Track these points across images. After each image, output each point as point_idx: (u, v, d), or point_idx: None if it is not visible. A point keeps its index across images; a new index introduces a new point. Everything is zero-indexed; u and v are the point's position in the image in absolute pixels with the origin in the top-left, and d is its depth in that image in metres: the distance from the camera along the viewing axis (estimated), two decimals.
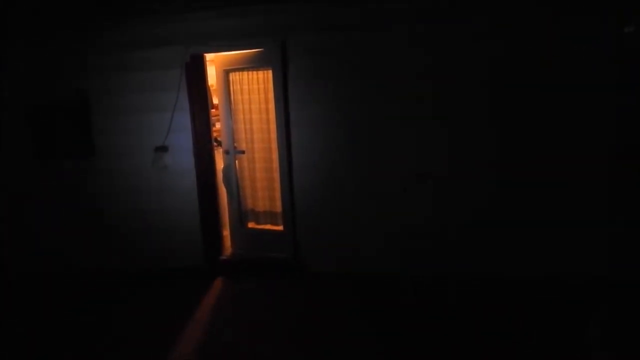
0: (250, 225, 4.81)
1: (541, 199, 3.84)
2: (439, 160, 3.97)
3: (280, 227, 4.58)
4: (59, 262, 4.66)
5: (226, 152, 4.71)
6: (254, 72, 4.46)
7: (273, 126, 4.37)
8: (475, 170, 3.93)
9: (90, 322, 3.72)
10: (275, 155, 4.43)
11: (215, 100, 6.27)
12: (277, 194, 4.51)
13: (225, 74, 4.58)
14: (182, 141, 4.29)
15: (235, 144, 4.67)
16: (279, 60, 4.09)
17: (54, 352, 3.32)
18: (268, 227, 4.72)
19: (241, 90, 4.56)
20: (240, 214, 4.80)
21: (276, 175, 4.47)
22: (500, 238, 3.96)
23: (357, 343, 3.20)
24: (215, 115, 6.00)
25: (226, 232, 4.80)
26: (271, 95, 4.31)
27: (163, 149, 4.30)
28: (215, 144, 4.78)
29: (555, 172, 3.80)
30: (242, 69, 4.49)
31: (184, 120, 4.26)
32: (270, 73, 4.26)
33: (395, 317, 3.49)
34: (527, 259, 3.92)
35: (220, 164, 4.79)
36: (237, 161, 4.71)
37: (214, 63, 4.72)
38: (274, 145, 4.41)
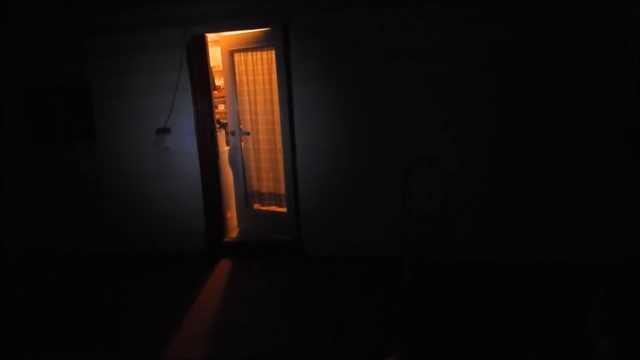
0: (256, 206, 4.82)
1: (549, 182, 3.77)
2: (446, 142, 3.90)
3: (284, 209, 4.58)
4: (59, 244, 4.72)
5: (232, 134, 4.70)
6: (258, 53, 4.40)
7: (277, 107, 4.33)
8: (482, 153, 3.87)
9: (88, 304, 3.77)
10: (279, 137, 4.40)
11: (218, 82, 6.24)
12: (281, 176, 4.50)
13: (230, 54, 4.54)
14: (184, 123, 4.27)
15: (240, 126, 4.65)
16: (281, 41, 4.02)
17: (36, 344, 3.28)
18: (273, 208, 4.73)
19: (246, 71, 4.52)
20: (246, 195, 4.81)
21: (280, 157, 4.45)
22: (507, 222, 3.92)
23: (351, 328, 3.18)
24: (218, 97, 5.97)
25: (230, 214, 4.81)
26: (275, 76, 4.26)
27: (165, 131, 4.29)
28: (217, 126, 4.76)
29: (562, 156, 3.71)
30: (246, 50, 4.45)
31: (186, 102, 4.24)
32: (274, 54, 4.21)
33: (397, 302, 3.47)
34: (534, 244, 3.86)
35: (222, 146, 4.78)
36: (242, 143, 4.70)
37: (218, 44, 4.68)
38: (278, 127, 4.38)
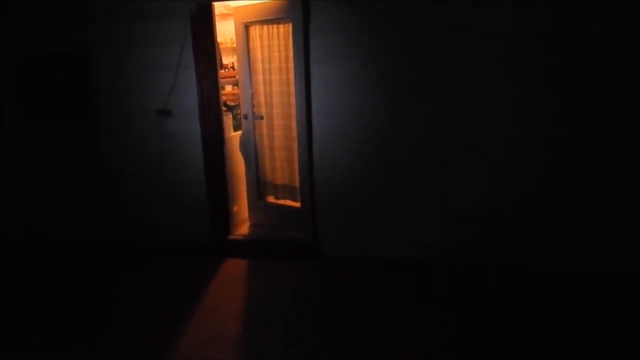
0: (269, 199, 4.34)
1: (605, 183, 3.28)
2: (486, 133, 3.38)
3: (298, 204, 4.09)
4: (47, 231, 4.30)
5: (244, 117, 4.21)
6: (275, 26, 3.89)
7: (293, 88, 3.82)
8: (529, 147, 3.36)
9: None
10: (295, 123, 3.90)
11: (226, 60, 5.72)
12: (296, 166, 4.00)
13: (245, 28, 4.04)
14: (186, 104, 3.77)
15: (254, 109, 4.16)
16: (300, 10, 3.49)
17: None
18: (287, 202, 4.24)
19: (261, 46, 4.01)
20: (258, 186, 4.33)
21: (296, 145, 3.95)
22: (547, 225, 3.43)
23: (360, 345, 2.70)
24: (226, 77, 5.46)
25: (236, 208, 4.32)
26: (292, 53, 3.75)
27: (166, 112, 3.80)
28: (224, 108, 4.26)
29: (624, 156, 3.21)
30: (261, 22, 3.94)
31: (189, 80, 3.72)
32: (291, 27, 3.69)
33: (424, 313, 3.00)
34: (576, 248, 3.39)
35: (229, 131, 4.28)
36: (255, 128, 4.21)
37: (227, 17, 4.18)
38: (294, 110, 3.87)
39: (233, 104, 4.73)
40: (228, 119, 4.30)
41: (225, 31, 5.04)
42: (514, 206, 3.43)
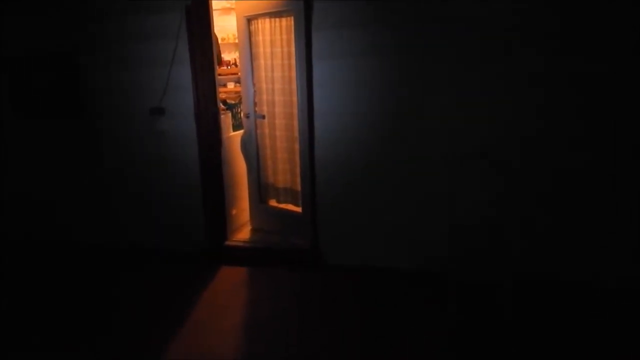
0: (272, 203, 4.14)
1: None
2: (498, 137, 3.11)
3: (300, 209, 3.87)
4: (37, 233, 4.17)
5: (246, 116, 4.01)
6: (277, 20, 3.66)
7: (296, 86, 3.60)
8: (546, 153, 3.08)
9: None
10: (297, 123, 3.68)
11: (229, 57, 5.51)
12: (298, 169, 3.77)
13: (247, 22, 3.84)
14: (181, 103, 3.56)
15: (255, 108, 3.94)
16: (301, 3, 3.25)
17: None
18: (289, 207, 4.02)
19: (263, 41, 3.79)
20: (260, 189, 4.12)
21: (297, 147, 3.72)
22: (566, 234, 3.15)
23: None
24: (227, 75, 5.25)
25: (235, 211, 4.11)
26: (294, 48, 3.52)
27: (159, 111, 3.60)
28: (223, 107, 4.05)
29: None
30: (264, 16, 3.71)
31: (184, 77, 3.51)
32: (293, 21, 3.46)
33: (434, 330, 2.74)
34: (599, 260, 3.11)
35: (228, 131, 4.07)
36: (257, 128, 4.00)
37: (229, 12, 3.98)
38: (296, 110, 3.65)
39: (233, 102, 4.52)
40: (227, 118, 4.08)
41: (227, 26, 4.83)
42: (525, 216, 3.16)
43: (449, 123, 3.15)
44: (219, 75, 4.33)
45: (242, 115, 4.17)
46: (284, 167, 3.96)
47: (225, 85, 5.15)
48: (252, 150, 4.05)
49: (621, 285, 3.04)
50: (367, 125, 3.30)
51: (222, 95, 4.14)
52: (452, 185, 3.20)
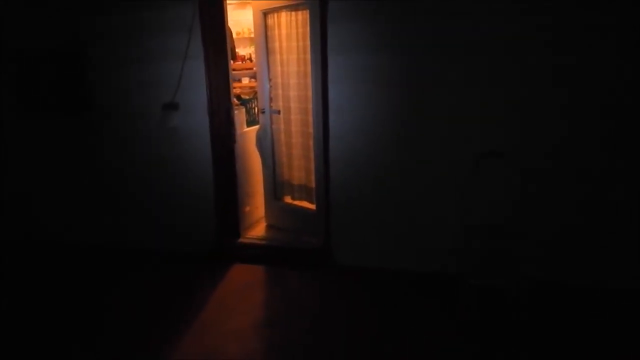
0: (287, 199, 4.08)
1: None
2: (517, 138, 2.98)
3: (314, 207, 3.80)
4: (45, 233, 4.16)
5: (262, 112, 3.96)
6: (293, 14, 3.60)
7: (310, 81, 3.52)
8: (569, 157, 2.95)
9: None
10: (312, 119, 3.60)
11: (244, 51, 5.45)
12: (313, 166, 3.70)
13: (263, 16, 3.78)
14: (194, 98, 3.51)
15: (271, 103, 3.88)
16: None
17: None
18: (304, 204, 3.96)
19: (279, 36, 3.73)
20: (275, 186, 4.06)
21: (312, 143, 3.65)
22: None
23: None
24: (242, 69, 5.19)
25: (248, 208, 4.06)
26: (309, 42, 3.44)
27: (172, 106, 3.55)
28: (237, 102, 3.99)
29: None
30: (280, 9, 3.66)
31: (197, 72, 3.46)
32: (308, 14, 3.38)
33: (445, 331, 2.64)
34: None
35: (242, 127, 4.01)
36: (272, 123, 3.94)
37: (244, 6, 3.93)
38: (311, 105, 3.57)
39: (247, 97, 4.46)
40: (241, 114, 4.03)
41: (242, 20, 4.77)
42: (544, 219, 3.03)
43: (466, 122, 3.04)
44: (233, 70, 4.27)
45: (256, 110, 4.11)
46: (299, 164, 3.89)
47: (239, 81, 5.09)
48: (267, 146, 3.99)
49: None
50: (383, 122, 3.21)
51: (236, 91, 4.09)
52: (470, 185, 3.08)
